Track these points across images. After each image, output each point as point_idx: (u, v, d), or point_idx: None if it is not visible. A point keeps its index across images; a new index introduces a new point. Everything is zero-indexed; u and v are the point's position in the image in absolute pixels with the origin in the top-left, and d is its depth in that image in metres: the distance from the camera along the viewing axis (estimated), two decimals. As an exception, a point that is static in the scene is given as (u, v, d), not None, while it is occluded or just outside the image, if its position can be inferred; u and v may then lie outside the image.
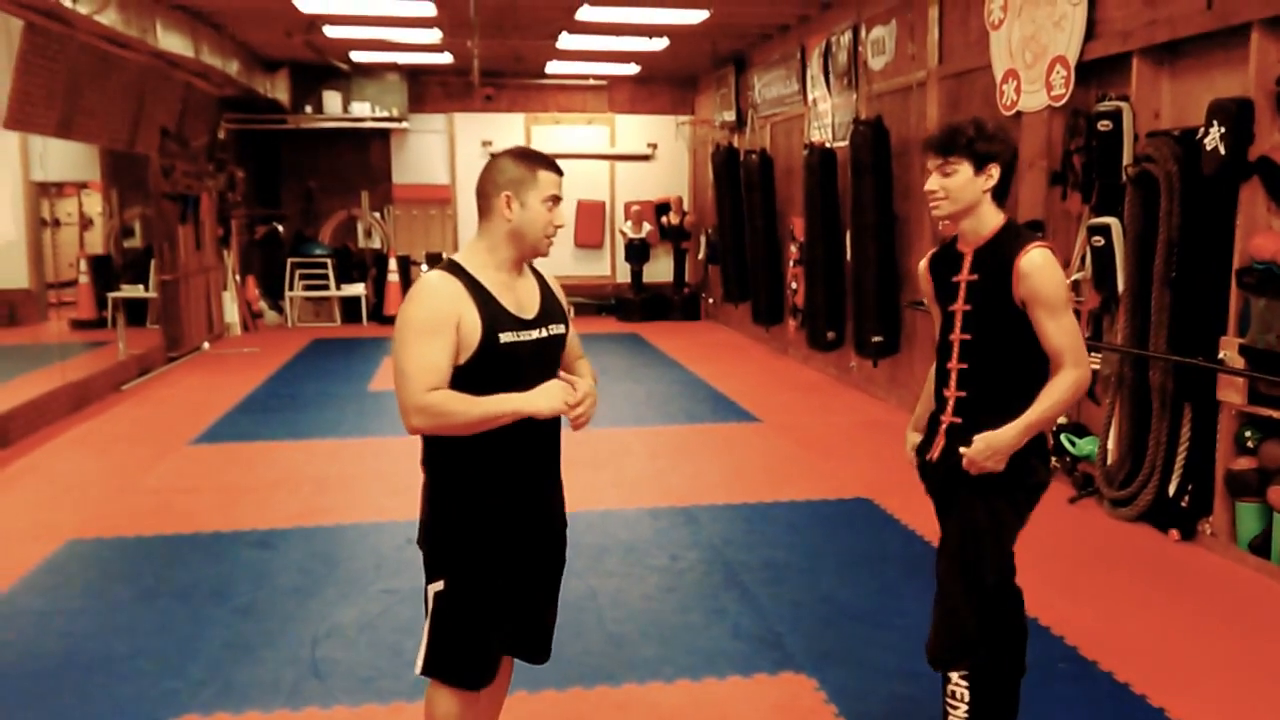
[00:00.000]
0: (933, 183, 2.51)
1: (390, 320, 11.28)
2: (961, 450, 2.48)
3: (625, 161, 13.60)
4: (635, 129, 13.60)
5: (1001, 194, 2.52)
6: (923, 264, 2.71)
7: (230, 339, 11.38)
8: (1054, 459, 5.50)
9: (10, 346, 9.30)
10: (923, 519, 4.16)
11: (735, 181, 10.50)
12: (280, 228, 13.10)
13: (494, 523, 2.28)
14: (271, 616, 3.82)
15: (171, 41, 8.26)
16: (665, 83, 13.45)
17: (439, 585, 2.29)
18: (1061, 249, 5.56)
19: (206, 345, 10.64)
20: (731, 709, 3.14)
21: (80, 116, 7.72)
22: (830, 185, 8.18)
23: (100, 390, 8.06)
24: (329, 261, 12.58)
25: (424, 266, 2.25)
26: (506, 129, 13.16)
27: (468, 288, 2.22)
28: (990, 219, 2.51)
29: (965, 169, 2.46)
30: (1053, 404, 2.44)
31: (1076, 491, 5.23)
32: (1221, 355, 4.32)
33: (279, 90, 11.90)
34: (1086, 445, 5.28)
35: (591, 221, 13.56)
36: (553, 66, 12.18)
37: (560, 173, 2.34)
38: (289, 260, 12.61)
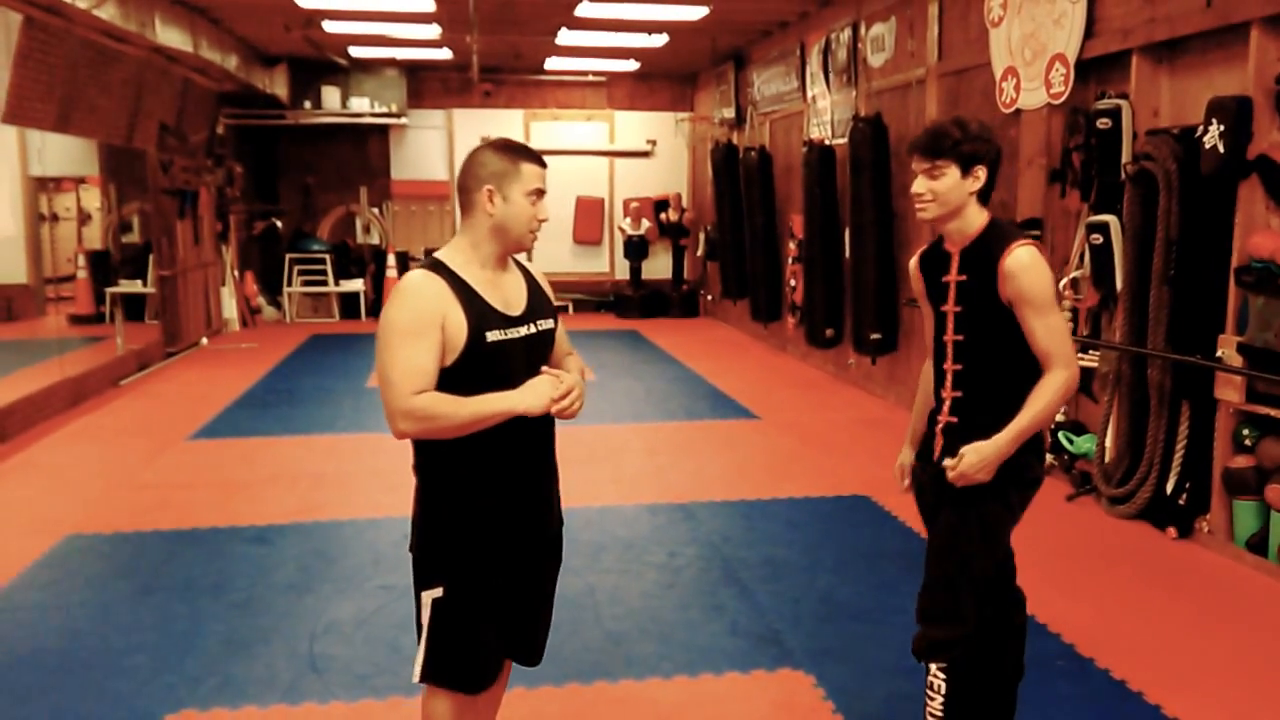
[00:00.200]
0: (919, 186, 2.48)
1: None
2: (947, 464, 2.47)
3: (624, 158, 13.59)
4: (634, 125, 13.59)
5: (988, 194, 2.50)
6: (913, 262, 2.69)
7: (228, 334, 11.37)
8: (1051, 456, 5.50)
9: (8, 341, 9.31)
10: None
11: (734, 178, 10.50)
12: (279, 223, 13.09)
13: (491, 526, 2.24)
14: (269, 612, 3.83)
15: (170, 36, 8.24)
16: (665, 79, 13.44)
17: (437, 592, 2.24)
18: (1060, 247, 5.57)
19: (205, 341, 10.63)
20: (729, 706, 3.14)
21: (79, 111, 7.71)
22: (829, 182, 8.18)
23: (98, 385, 8.05)
24: (327, 257, 12.57)
25: (423, 261, 2.24)
26: (505, 125, 13.14)
27: (452, 286, 2.17)
28: (975, 218, 2.50)
29: (953, 172, 2.44)
30: (1042, 408, 2.42)
31: (1074, 489, 5.24)
32: (1220, 353, 4.33)
33: (278, 85, 11.88)
34: (1084, 443, 5.28)
35: (590, 218, 13.56)
36: (552, 62, 12.17)
37: (543, 164, 2.28)
38: (287, 256, 12.59)
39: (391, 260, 12.53)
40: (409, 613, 2.50)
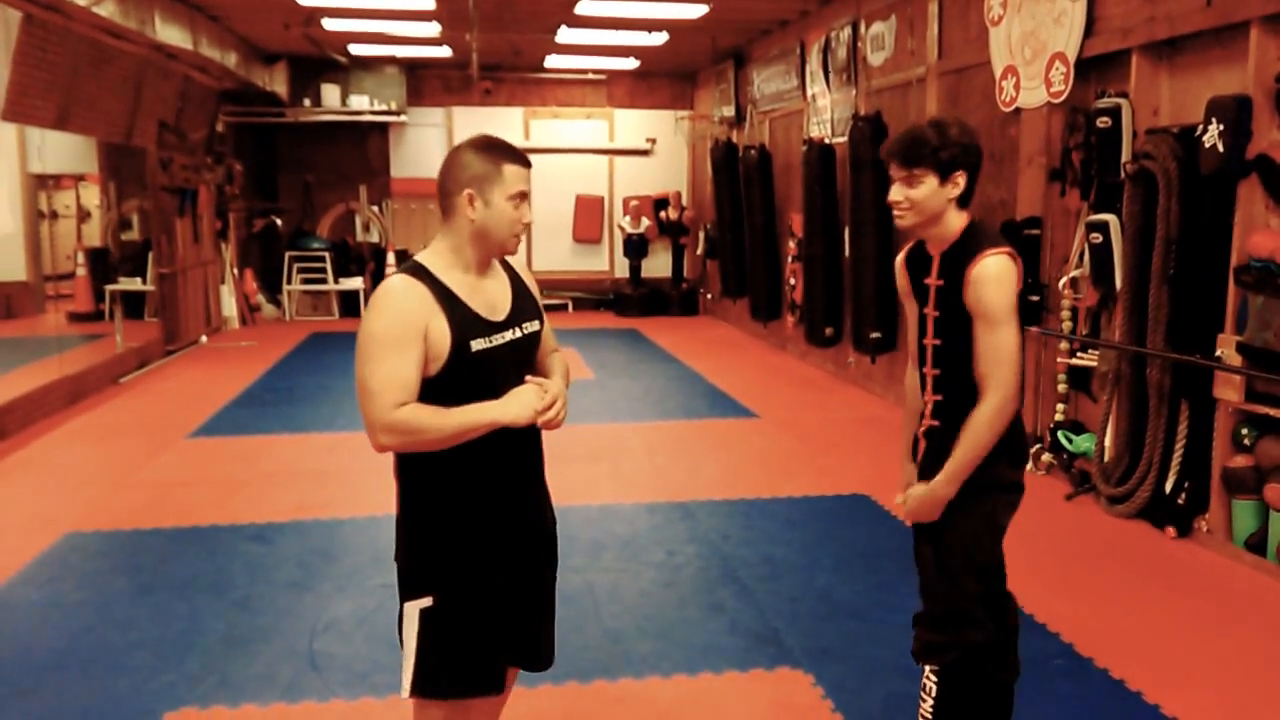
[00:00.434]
0: (896, 193, 2.42)
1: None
2: (897, 500, 2.50)
3: (624, 156, 13.59)
4: (634, 124, 13.58)
5: (969, 197, 2.43)
6: (899, 259, 2.63)
7: (228, 332, 11.37)
8: (1050, 455, 5.51)
9: (7, 339, 9.30)
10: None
11: (734, 177, 10.50)
12: (278, 221, 13.09)
13: (479, 532, 2.18)
14: (268, 610, 3.83)
15: (170, 34, 8.24)
16: (664, 77, 13.44)
17: (426, 602, 2.15)
18: (1060, 246, 5.57)
19: (204, 338, 10.63)
20: (728, 704, 3.15)
21: (78, 109, 7.70)
22: (829, 181, 8.18)
23: (98, 383, 8.05)
24: (327, 255, 12.57)
25: (403, 265, 2.20)
26: (505, 123, 13.15)
27: (434, 293, 2.08)
28: (955, 223, 2.43)
29: (930, 180, 2.37)
30: (971, 444, 2.37)
31: (1073, 488, 5.24)
32: (1219, 353, 4.33)
33: (277, 83, 11.88)
34: (1083, 442, 5.29)
35: (590, 216, 13.56)
36: (552, 60, 12.17)
37: (527, 164, 2.18)
38: (287, 254, 12.59)
39: (391, 258, 12.51)
40: (409, 611, 2.48)
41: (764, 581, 4.12)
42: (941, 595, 2.50)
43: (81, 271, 9.83)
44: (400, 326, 2.05)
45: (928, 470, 2.51)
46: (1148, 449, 4.76)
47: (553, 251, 13.32)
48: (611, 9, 8.86)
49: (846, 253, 7.89)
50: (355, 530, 4.73)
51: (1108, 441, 5.07)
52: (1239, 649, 3.53)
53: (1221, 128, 4.19)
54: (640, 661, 3.40)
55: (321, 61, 11.91)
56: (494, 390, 2.12)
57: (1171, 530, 4.61)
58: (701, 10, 8.84)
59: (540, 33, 10.23)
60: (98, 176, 10.14)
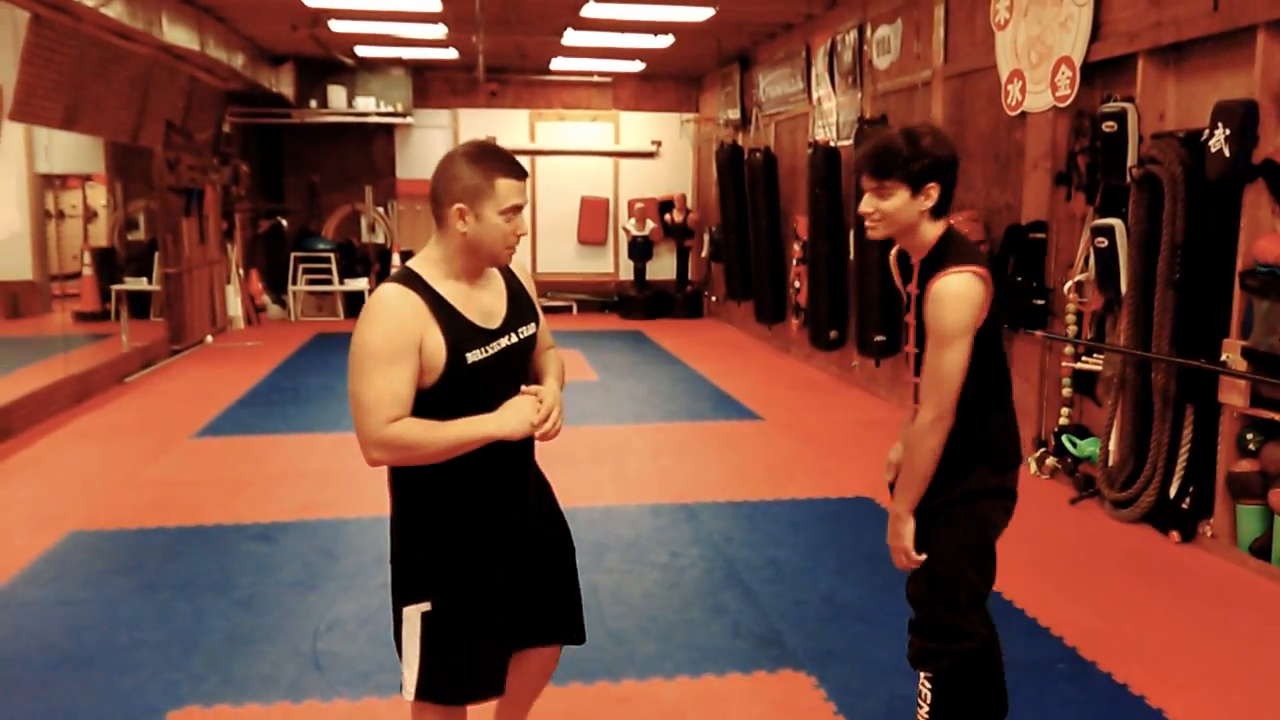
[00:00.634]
0: (867, 204, 2.38)
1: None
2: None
3: (629, 159, 13.60)
4: (640, 126, 13.59)
5: (944, 207, 2.38)
6: (892, 254, 2.60)
7: (233, 332, 11.39)
8: (1054, 459, 5.50)
9: (14, 338, 9.33)
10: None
11: (739, 179, 10.50)
12: (284, 222, 13.11)
13: (473, 535, 2.17)
14: (273, 610, 3.83)
15: (177, 35, 8.26)
16: (670, 80, 13.44)
17: (425, 606, 2.14)
18: (1065, 250, 5.56)
19: (209, 338, 10.65)
20: (731, 706, 3.15)
21: (85, 109, 7.73)
22: (834, 184, 8.18)
23: (103, 382, 8.07)
24: (332, 256, 12.59)
25: (396, 273, 2.18)
26: (511, 125, 13.17)
27: (428, 303, 2.04)
28: (929, 233, 2.37)
29: (902, 192, 2.31)
30: (909, 463, 2.37)
31: (1078, 492, 5.23)
32: (1224, 357, 4.32)
33: (284, 84, 11.91)
34: (1088, 446, 5.28)
35: (595, 218, 13.57)
36: (558, 63, 12.18)
37: (521, 176, 2.09)
38: (292, 254, 12.61)
39: (396, 260, 12.54)
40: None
41: (767, 583, 4.12)
42: (930, 605, 2.50)
43: (88, 271, 9.85)
44: (394, 339, 2.00)
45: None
46: (1152, 453, 4.75)
47: (557, 254, 13.33)
48: (617, 12, 8.87)
49: (851, 256, 7.89)
50: (359, 530, 4.73)
51: (1112, 446, 5.06)
52: (1243, 653, 3.52)
53: (1228, 132, 4.18)
54: (643, 663, 3.40)
55: (328, 63, 11.94)
56: (489, 400, 2.09)
57: (1176, 535, 4.60)
58: (707, 13, 8.85)
59: (546, 35, 10.24)
60: (104, 176, 10.17)
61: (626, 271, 13.47)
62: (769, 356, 10.08)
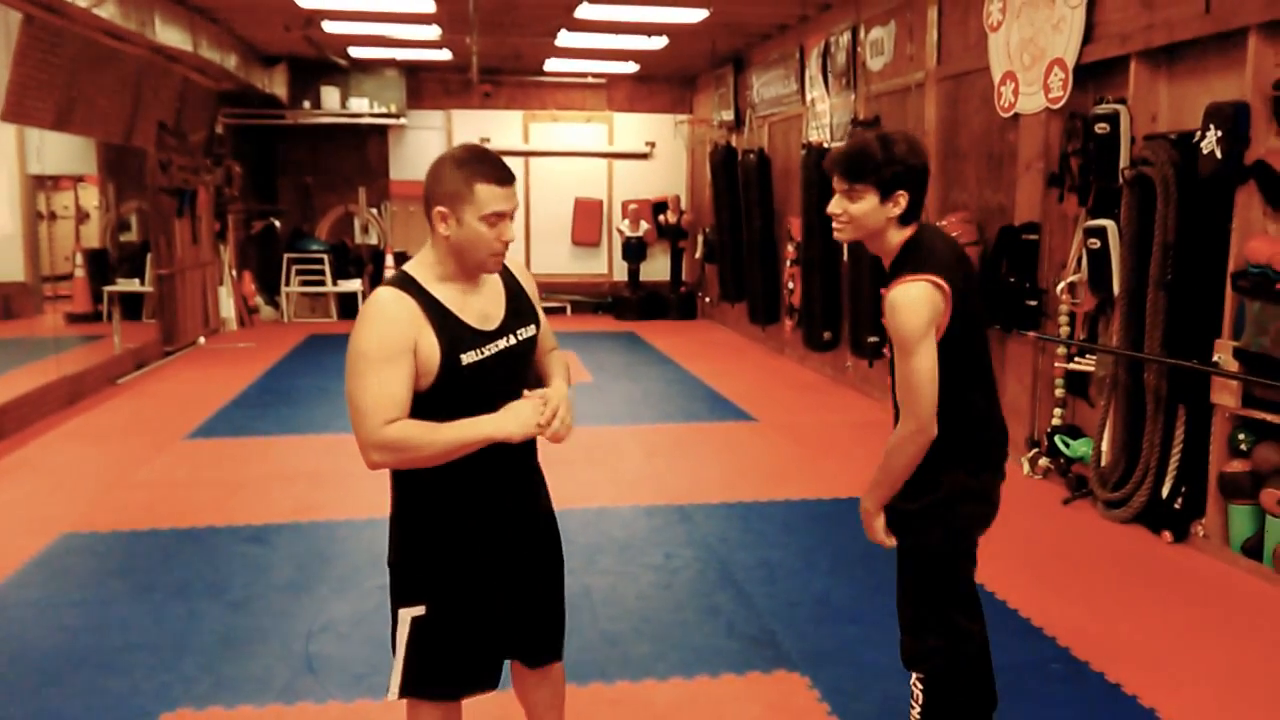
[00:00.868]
0: (835, 205, 2.39)
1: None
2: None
3: (623, 160, 13.59)
4: (633, 127, 13.60)
5: (913, 214, 2.37)
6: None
7: (226, 334, 11.37)
8: (1048, 460, 5.51)
9: (5, 340, 9.29)
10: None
11: (733, 181, 10.51)
12: (277, 223, 13.09)
13: (472, 540, 2.17)
14: (265, 612, 3.82)
15: (170, 35, 8.24)
16: (664, 81, 13.45)
17: (418, 610, 2.16)
18: (1058, 251, 5.58)
19: (202, 340, 10.63)
20: (725, 707, 3.15)
21: (78, 110, 7.70)
22: (828, 186, 8.12)
23: (95, 384, 8.05)
24: (325, 257, 12.57)
25: (392, 276, 2.18)
26: (505, 126, 13.16)
27: (423, 305, 2.05)
28: (895, 238, 2.37)
29: (871, 197, 2.32)
30: (883, 467, 2.39)
31: (1070, 493, 5.24)
32: (1216, 358, 4.34)
33: (277, 85, 11.88)
34: (1081, 447, 5.29)
35: (589, 220, 13.56)
36: (551, 64, 12.18)
37: (505, 181, 2.06)
38: (285, 255, 12.59)
39: (390, 261, 12.52)
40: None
41: (761, 584, 4.12)
42: (909, 606, 2.51)
43: (80, 272, 9.82)
44: (388, 342, 2.02)
45: None
46: (1145, 454, 4.77)
47: (551, 255, 13.32)
48: (611, 13, 8.87)
49: (845, 257, 7.89)
50: (352, 532, 4.73)
51: (1105, 446, 5.07)
52: (1235, 653, 3.53)
53: (1219, 134, 4.20)
54: (637, 664, 3.40)
55: (321, 64, 11.91)
56: (489, 402, 2.09)
57: (1168, 535, 4.62)
58: (701, 15, 8.85)
59: (540, 36, 10.24)
60: (96, 178, 10.13)
61: (620, 273, 13.47)
62: (763, 357, 10.09)
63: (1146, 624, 3.78)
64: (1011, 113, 5.85)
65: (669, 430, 6.95)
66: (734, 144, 10.90)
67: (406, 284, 2.09)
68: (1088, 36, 5.21)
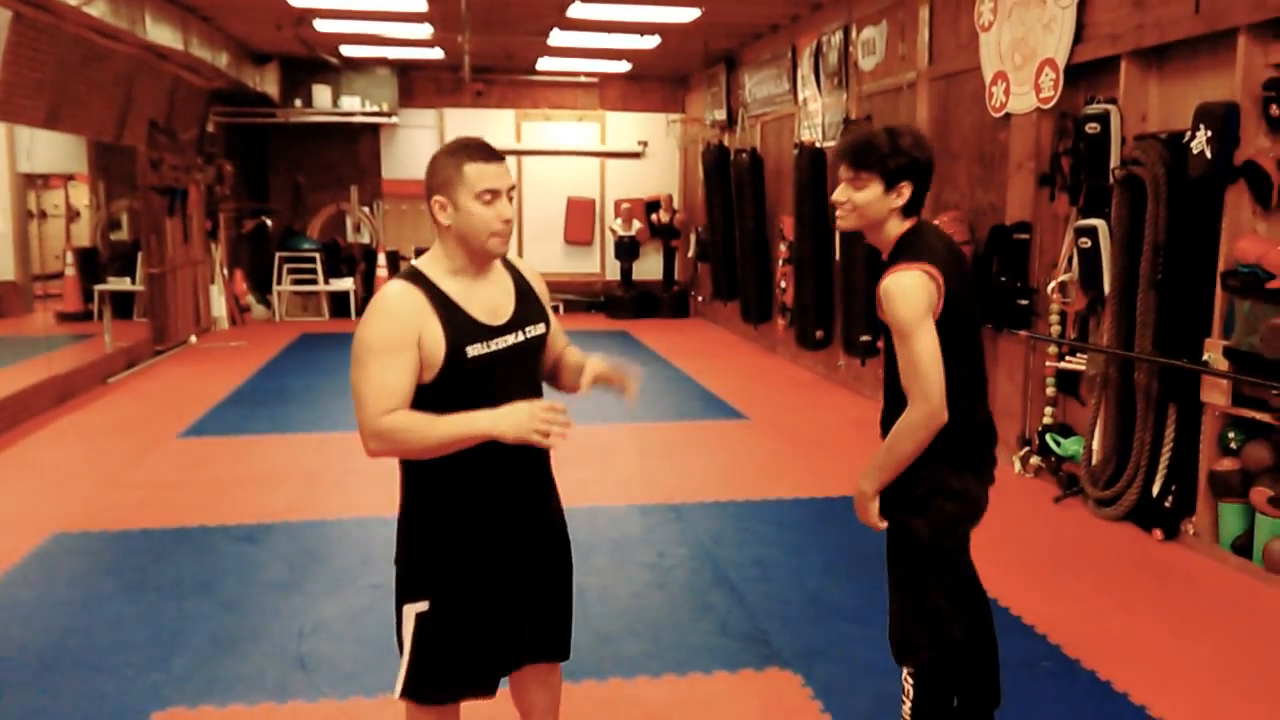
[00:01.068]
0: (840, 193, 2.41)
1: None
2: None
3: (616, 159, 13.60)
4: (626, 126, 13.60)
5: (915, 207, 2.41)
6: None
7: (217, 333, 11.34)
8: (1039, 458, 5.53)
9: (-5, 338, 9.25)
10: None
11: (725, 180, 10.52)
12: (268, 221, 13.06)
13: (479, 538, 2.17)
14: (257, 611, 3.82)
15: (161, 34, 8.22)
16: (656, 81, 13.45)
17: (422, 606, 2.15)
18: (1049, 250, 5.59)
19: (193, 339, 10.60)
20: (718, 705, 3.15)
21: (68, 108, 7.68)
22: (820, 185, 8.19)
23: (86, 383, 8.03)
24: (317, 256, 12.55)
25: (403, 270, 2.18)
26: (497, 125, 13.15)
27: (430, 299, 2.07)
28: (895, 229, 2.40)
29: (876, 186, 2.35)
30: (888, 448, 2.38)
31: (1061, 491, 5.26)
32: (1206, 357, 4.36)
33: (268, 84, 11.86)
34: (1071, 445, 5.31)
35: (581, 219, 13.56)
36: (544, 63, 12.17)
37: (493, 160, 2.09)
38: (277, 254, 12.56)
39: (382, 259, 12.51)
40: (398, 612, 2.47)
41: (754, 583, 4.13)
42: (896, 599, 2.54)
43: (70, 271, 9.78)
44: (393, 333, 2.05)
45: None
46: (1135, 452, 4.79)
47: (544, 253, 13.31)
48: (604, 12, 8.87)
49: (837, 256, 7.91)
50: (344, 531, 4.72)
51: (1095, 445, 5.09)
52: (1224, 650, 3.55)
53: (1209, 134, 4.22)
54: (630, 662, 3.41)
55: (313, 62, 11.89)
56: (492, 397, 2.09)
57: (1158, 533, 4.64)
58: (694, 14, 8.86)
59: (532, 35, 10.23)
60: (87, 176, 10.09)
61: (613, 271, 13.47)
62: (755, 356, 10.10)
63: (1137, 622, 3.80)
64: (1003, 112, 5.87)
65: (662, 429, 6.95)
66: (726, 143, 10.92)
67: (415, 278, 2.12)
68: (1078, 36, 5.23)
